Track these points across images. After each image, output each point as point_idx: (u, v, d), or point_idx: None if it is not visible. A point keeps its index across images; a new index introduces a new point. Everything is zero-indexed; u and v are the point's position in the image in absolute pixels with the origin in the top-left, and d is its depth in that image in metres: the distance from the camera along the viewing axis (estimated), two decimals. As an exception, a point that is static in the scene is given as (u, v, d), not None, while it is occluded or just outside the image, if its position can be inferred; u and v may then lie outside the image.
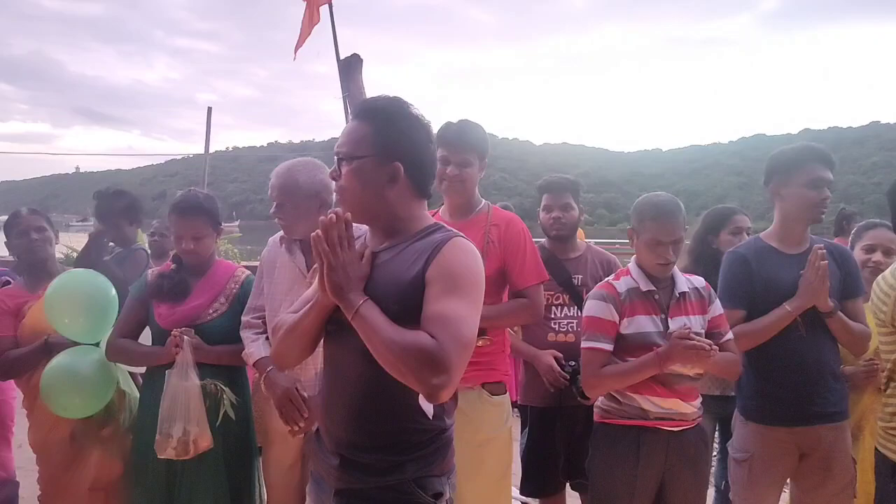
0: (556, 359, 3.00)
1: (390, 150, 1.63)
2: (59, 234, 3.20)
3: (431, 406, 1.62)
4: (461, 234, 1.67)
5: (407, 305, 1.53)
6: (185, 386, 2.47)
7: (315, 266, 1.70)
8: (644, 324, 2.43)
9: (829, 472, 2.61)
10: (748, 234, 3.28)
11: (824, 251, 2.54)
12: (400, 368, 1.46)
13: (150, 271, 2.81)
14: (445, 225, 1.72)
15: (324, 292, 1.59)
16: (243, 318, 2.63)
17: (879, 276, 2.47)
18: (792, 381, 2.58)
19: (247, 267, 3.00)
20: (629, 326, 2.43)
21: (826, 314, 2.58)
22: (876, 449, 2.44)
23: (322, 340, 1.76)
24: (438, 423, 1.66)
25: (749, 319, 2.62)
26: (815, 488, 2.64)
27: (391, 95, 1.72)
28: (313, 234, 1.57)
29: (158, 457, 2.46)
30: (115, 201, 3.77)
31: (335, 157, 1.69)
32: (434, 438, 1.66)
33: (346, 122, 5.19)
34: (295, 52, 5.67)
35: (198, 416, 2.46)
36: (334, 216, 1.55)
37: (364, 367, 1.57)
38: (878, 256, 3.08)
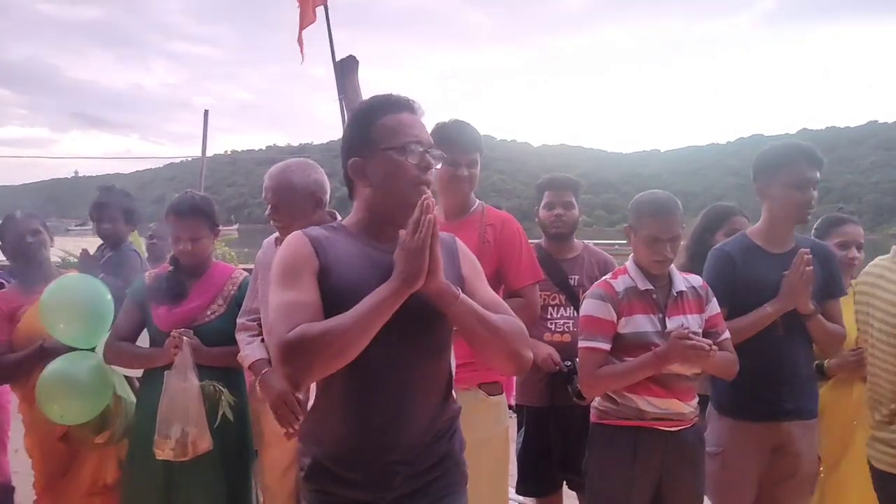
0: (552, 355, 2.99)
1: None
2: (59, 239, 3.20)
3: (454, 392, 1.76)
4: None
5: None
6: (184, 387, 2.46)
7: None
8: (642, 323, 2.42)
9: (796, 469, 2.64)
10: None
11: (810, 256, 2.54)
12: (503, 346, 1.57)
13: (146, 273, 2.81)
14: None
15: (404, 283, 1.48)
16: (238, 321, 2.62)
17: (874, 279, 2.44)
18: (766, 378, 2.59)
19: (245, 270, 3.00)
20: (627, 326, 2.42)
21: (806, 316, 2.60)
22: (881, 470, 2.37)
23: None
24: (456, 407, 1.77)
25: (730, 318, 2.62)
26: (782, 481, 2.67)
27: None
28: (413, 218, 1.48)
29: (157, 458, 2.45)
30: (116, 196, 3.89)
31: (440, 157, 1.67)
32: (455, 420, 1.78)
33: (343, 125, 5.19)
34: (301, 52, 5.62)
35: (197, 417, 2.45)
36: (431, 202, 1.50)
37: (435, 365, 1.67)
38: (854, 253, 3.06)
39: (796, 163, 2.60)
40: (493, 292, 1.68)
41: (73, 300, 2.83)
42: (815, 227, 3.23)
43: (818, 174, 2.62)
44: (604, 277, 2.59)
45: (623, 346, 2.42)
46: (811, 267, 2.52)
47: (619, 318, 2.43)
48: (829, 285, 2.69)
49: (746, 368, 2.53)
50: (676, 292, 2.47)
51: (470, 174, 2.64)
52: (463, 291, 1.56)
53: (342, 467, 1.62)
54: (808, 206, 2.62)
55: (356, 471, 1.61)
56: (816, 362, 2.80)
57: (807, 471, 2.68)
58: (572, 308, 3.10)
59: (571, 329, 3.07)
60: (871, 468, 2.40)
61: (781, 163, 2.63)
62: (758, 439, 2.63)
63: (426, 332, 1.62)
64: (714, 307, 2.53)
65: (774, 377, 2.60)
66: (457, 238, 1.75)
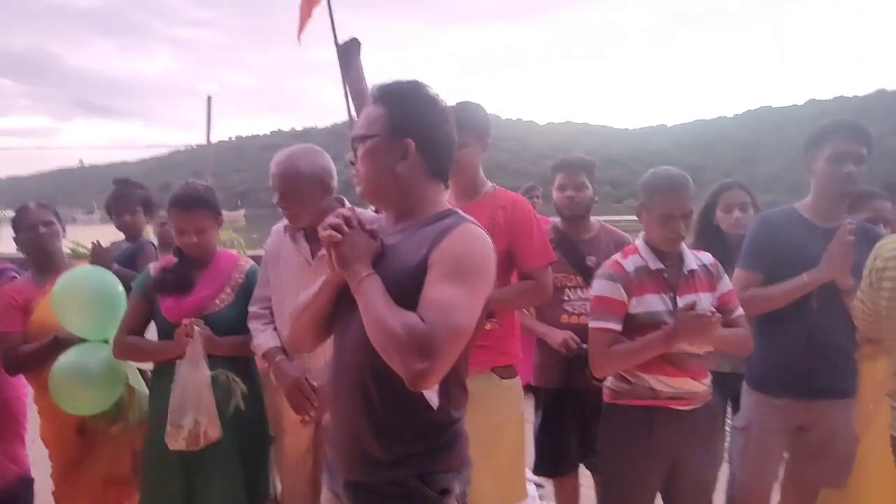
0: (570, 339, 3.00)
1: (401, 127, 1.61)
2: (66, 228, 3.20)
3: (436, 397, 1.60)
4: (474, 220, 1.64)
5: (410, 290, 1.50)
6: (196, 377, 2.46)
7: (321, 253, 1.69)
8: (653, 303, 2.41)
9: (830, 448, 2.61)
10: (742, 211, 3.26)
11: (853, 227, 2.50)
12: (386, 348, 1.44)
13: (151, 265, 2.79)
14: (460, 211, 1.69)
15: (333, 268, 1.59)
16: (250, 309, 2.62)
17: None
18: (795, 354, 2.57)
19: (252, 256, 2.99)
20: (638, 306, 2.41)
21: (844, 292, 2.54)
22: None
23: None
24: (443, 414, 1.62)
25: (765, 285, 2.60)
26: (811, 461, 2.65)
27: (409, 78, 1.69)
28: (328, 220, 1.58)
29: (170, 448, 2.47)
30: (134, 188, 3.97)
31: (351, 142, 1.69)
32: (440, 432, 1.63)
33: (347, 108, 5.11)
34: (298, 37, 5.57)
35: (208, 406, 2.45)
36: (348, 209, 1.61)
37: (368, 357, 1.54)
38: (881, 229, 3.01)
39: (834, 137, 2.59)
40: (444, 292, 1.46)
41: (85, 292, 2.83)
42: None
43: (863, 149, 2.58)
44: (613, 257, 2.56)
45: (635, 326, 2.41)
46: (852, 237, 2.47)
47: (630, 299, 2.41)
48: None
49: (776, 343, 2.52)
50: (688, 271, 2.45)
51: (457, 155, 2.60)
52: (421, 279, 1.52)
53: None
54: (845, 181, 2.57)
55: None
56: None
57: (842, 451, 2.64)
58: (589, 289, 3.09)
59: (588, 310, 3.07)
60: (891, 438, 2.38)
61: (824, 137, 2.62)
62: (784, 416, 2.62)
63: (359, 322, 1.54)
64: (726, 284, 2.51)
65: (804, 353, 2.57)
66: (467, 227, 1.59)
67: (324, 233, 1.57)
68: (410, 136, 1.61)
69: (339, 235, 1.56)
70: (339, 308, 1.68)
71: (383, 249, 1.63)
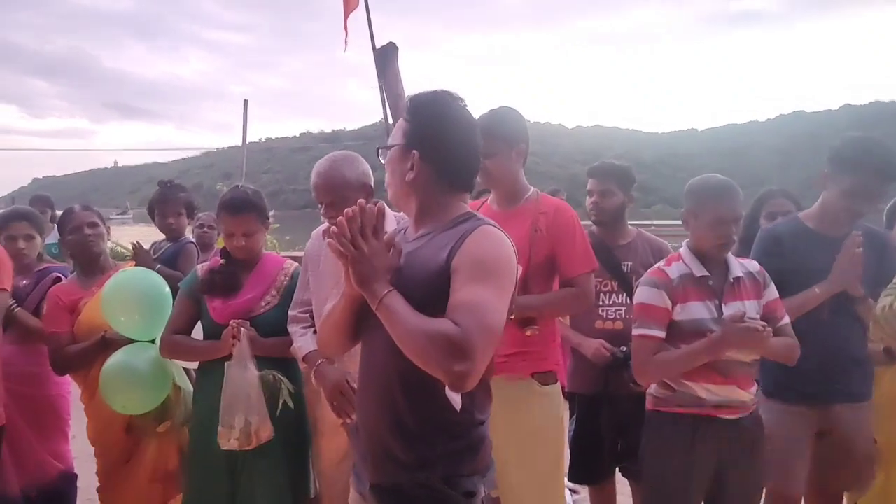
0: (602, 347, 2.98)
1: (412, 139, 1.69)
2: (110, 230, 3.27)
3: (459, 398, 1.61)
4: (491, 222, 1.67)
5: (433, 294, 1.54)
6: (244, 377, 2.49)
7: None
8: (697, 310, 2.39)
9: (850, 452, 2.60)
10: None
11: (860, 238, 2.50)
12: (423, 357, 1.46)
13: (198, 267, 2.85)
14: (478, 214, 1.73)
15: (349, 283, 1.61)
16: (290, 313, 2.64)
17: None
18: (812, 362, 2.53)
19: (289, 258, 3.02)
20: (682, 313, 2.39)
21: (856, 300, 2.55)
22: None
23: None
24: (467, 416, 1.64)
25: None
26: (834, 467, 2.64)
27: (436, 90, 1.74)
28: (332, 228, 1.59)
29: (221, 448, 2.50)
30: (178, 191, 4.07)
31: (376, 150, 1.81)
32: (464, 434, 1.64)
33: (384, 110, 5.14)
34: (345, 41, 5.59)
35: (258, 406, 2.49)
36: (350, 211, 1.57)
37: (392, 361, 1.58)
38: None
39: (860, 172, 2.55)
40: (473, 295, 1.49)
41: (134, 294, 2.89)
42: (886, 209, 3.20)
43: (883, 188, 2.59)
44: (657, 265, 2.55)
45: (679, 333, 2.38)
46: (860, 249, 2.47)
47: (673, 306, 2.39)
48: (882, 272, 2.60)
49: None
50: (733, 278, 2.43)
51: (485, 164, 2.61)
52: (445, 283, 1.55)
53: None
54: (857, 215, 2.61)
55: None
56: (885, 347, 2.72)
57: (862, 454, 2.63)
58: (625, 295, 3.07)
59: (624, 316, 3.04)
60: None
61: (848, 167, 2.58)
62: (802, 423, 2.60)
63: (384, 328, 1.57)
64: (772, 292, 2.48)
65: (818, 361, 2.54)
66: (484, 229, 1.62)
67: (332, 242, 1.59)
68: (416, 146, 1.68)
69: (353, 249, 1.56)
70: (364, 314, 1.69)
71: (403, 257, 1.66)
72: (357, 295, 1.63)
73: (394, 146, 1.73)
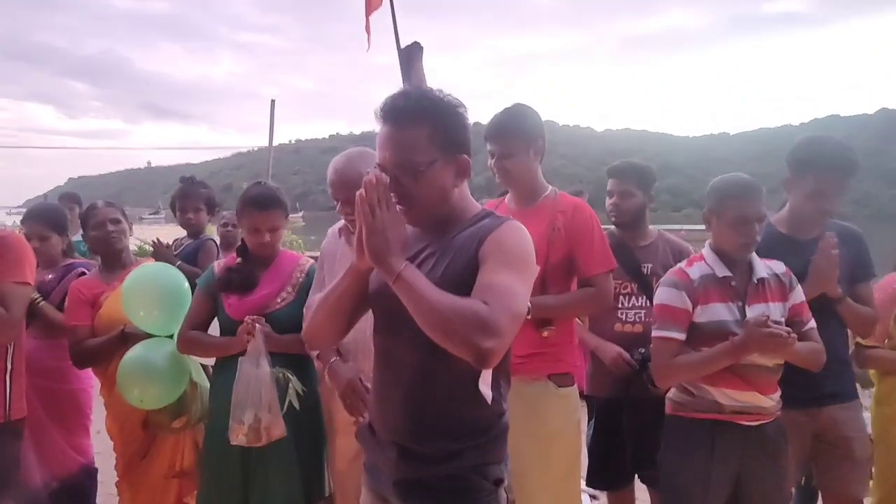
0: (620, 356, 2.93)
1: (454, 145, 1.64)
2: (132, 226, 3.30)
3: (490, 392, 1.61)
4: (512, 218, 1.68)
5: (462, 286, 1.51)
6: (257, 373, 2.49)
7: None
8: (719, 312, 2.33)
9: (847, 451, 2.59)
10: None
11: (835, 240, 2.47)
12: (448, 331, 1.43)
13: (215, 264, 2.86)
14: (495, 212, 1.73)
15: (361, 257, 1.57)
16: (305, 311, 2.64)
17: None
18: (797, 366, 2.46)
19: (312, 258, 3.02)
20: (703, 315, 2.34)
21: (835, 300, 2.54)
22: None
23: (372, 332, 1.77)
24: (496, 408, 1.65)
25: None
26: (834, 467, 2.62)
27: (414, 90, 1.69)
28: (358, 192, 1.54)
29: (231, 443, 2.50)
30: (199, 187, 4.12)
31: (388, 172, 1.62)
32: (493, 425, 1.65)
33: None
34: (368, 41, 5.61)
35: (269, 403, 2.48)
36: (374, 177, 1.53)
37: (420, 356, 1.58)
38: None
39: (819, 171, 2.56)
40: (501, 278, 1.48)
41: (153, 289, 2.91)
42: None
43: (847, 183, 2.61)
44: (678, 265, 2.50)
45: (700, 335, 2.33)
46: (836, 251, 2.45)
47: (694, 307, 2.34)
48: (858, 268, 2.64)
49: None
50: (757, 279, 2.37)
51: (503, 164, 2.60)
52: (474, 274, 1.53)
53: None
54: (819, 218, 2.63)
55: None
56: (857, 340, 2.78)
57: (860, 453, 2.62)
58: (644, 297, 3.01)
59: (643, 319, 2.98)
60: None
61: (807, 168, 2.60)
62: (796, 426, 2.55)
63: (409, 322, 1.51)
64: (798, 295, 2.42)
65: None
66: (511, 223, 1.64)
67: (357, 219, 1.53)
68: (465, 151, 1.67)
69: (371, 218, 1.51)
70: (385, 308, 1.67)
71: (421, 261, 1.64)
72: (365, 270, 1.62)
73: (434, 161, 1.60)
